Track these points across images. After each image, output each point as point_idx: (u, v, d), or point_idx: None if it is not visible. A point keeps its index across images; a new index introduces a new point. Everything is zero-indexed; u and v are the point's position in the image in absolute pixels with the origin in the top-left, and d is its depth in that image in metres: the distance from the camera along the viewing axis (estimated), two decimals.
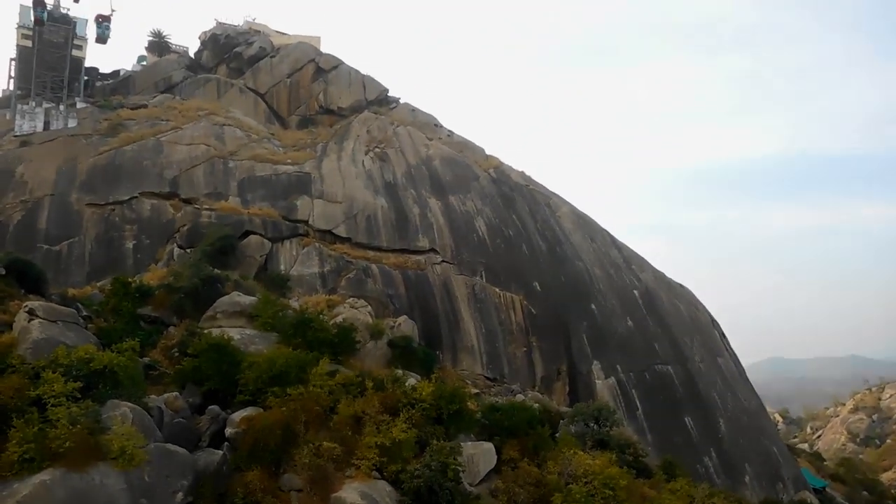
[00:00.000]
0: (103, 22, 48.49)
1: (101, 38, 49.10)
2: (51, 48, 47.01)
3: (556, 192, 51.96)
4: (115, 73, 57.74)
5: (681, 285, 51.21)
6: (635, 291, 43.90)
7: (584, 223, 48.91)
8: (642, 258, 50.48)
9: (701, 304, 51.00)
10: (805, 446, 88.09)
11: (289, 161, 44.21)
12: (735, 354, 49.12)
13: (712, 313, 51.67)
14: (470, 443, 20.19)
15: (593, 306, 39.97)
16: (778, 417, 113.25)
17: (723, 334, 50.03)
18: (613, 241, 49.62)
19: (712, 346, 45.64)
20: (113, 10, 48.73)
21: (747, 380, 48.08)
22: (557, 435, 24.27)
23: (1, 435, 13.73)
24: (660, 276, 49.19)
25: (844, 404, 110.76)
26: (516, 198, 46.49)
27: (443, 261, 38.96)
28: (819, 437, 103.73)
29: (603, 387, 35.11)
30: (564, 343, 37.13)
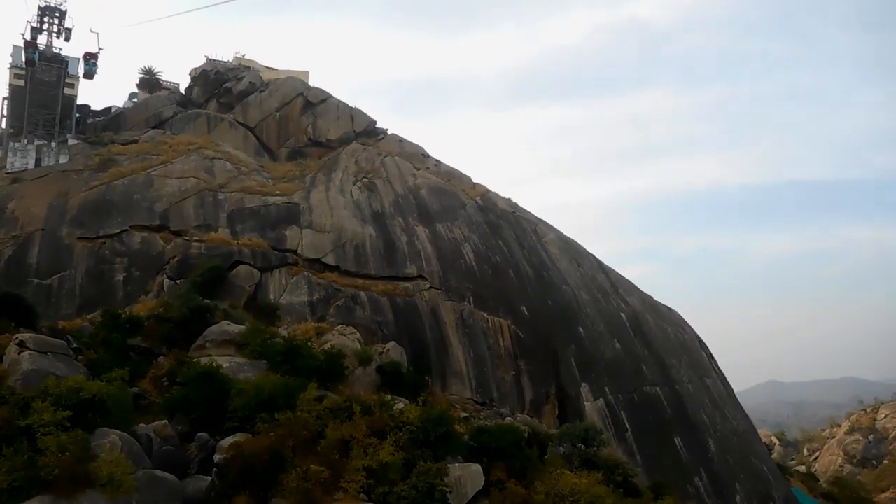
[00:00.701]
0: (90, 59, 49.59)
1: (89, 74, 50.12)
2: (43, 87, 47.72)
3: (543, 218, 52.79)
4: (107, 109, 58.50)
5: (668, 308, 51.82)
6: (622, 315, 44.44)
7: (571, 248, 49.63)
8: (629, 282, 51.16)
9: (688, 325, 51.56)
10: (802, 468, 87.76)
11: (278, 192, 44.78)
12: (723, 375, 49.53)
13: (703, 337, 52.25)
14: (457, 464, 20.37)
15: (581, 330, 40.42)
16: (774, 440, 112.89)
17: (710, 356, 50.49)
18: (600, 265, 50.31)
19: (700, 368, 46.06)
20: (100, 49, 49.95)
21: (736, 400, 48.44)
22: (546, 457, 24.49)
23: None
24: (647, 300, 49.80)
25: (840, 426, 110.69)
26: (503, 224, 47.21)
27: (431, 287, 39.35)
28: (816, 458, 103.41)
29: (592, 409, 35.37)
30: (553, 367, 37.45)
